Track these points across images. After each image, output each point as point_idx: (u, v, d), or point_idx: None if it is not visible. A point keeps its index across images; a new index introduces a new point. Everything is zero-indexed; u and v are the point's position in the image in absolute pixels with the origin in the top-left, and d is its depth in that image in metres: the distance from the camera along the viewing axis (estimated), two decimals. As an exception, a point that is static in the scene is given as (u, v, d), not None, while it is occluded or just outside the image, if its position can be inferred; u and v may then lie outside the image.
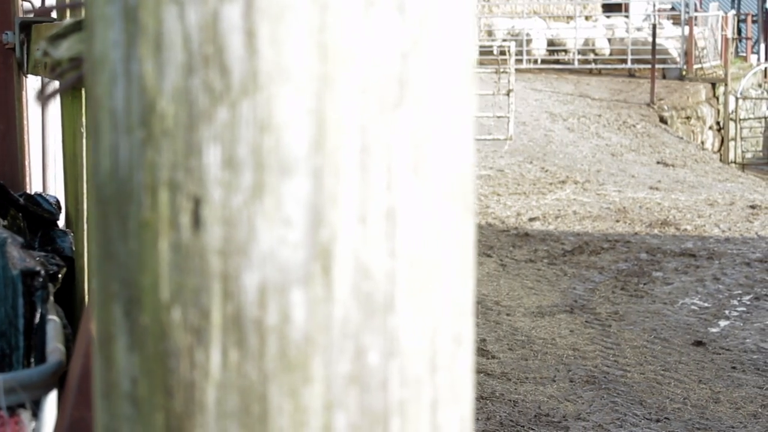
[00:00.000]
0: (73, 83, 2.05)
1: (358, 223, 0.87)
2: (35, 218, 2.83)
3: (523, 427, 6.83)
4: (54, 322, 1.92)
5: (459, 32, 0.90)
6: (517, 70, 24.92)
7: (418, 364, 0.90)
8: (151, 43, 0.86)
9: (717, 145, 24.51)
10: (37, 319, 2.10)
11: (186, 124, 0.86)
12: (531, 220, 14.38)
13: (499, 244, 12.94)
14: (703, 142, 23.49)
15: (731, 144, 24.35)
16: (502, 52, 18.88)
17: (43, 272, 2.15)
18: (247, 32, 0.84)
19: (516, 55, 26.02)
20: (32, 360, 2.21)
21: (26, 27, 4.76)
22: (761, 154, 25.21)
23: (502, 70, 17.64)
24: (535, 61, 26.62)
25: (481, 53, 25.61)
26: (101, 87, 0.90)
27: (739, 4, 35.36)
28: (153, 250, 0.88)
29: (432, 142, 0.89)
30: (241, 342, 0.87)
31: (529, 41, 26.42)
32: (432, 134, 0.89)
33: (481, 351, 8.43)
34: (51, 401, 1.79)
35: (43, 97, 4.23)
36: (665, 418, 7.37)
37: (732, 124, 24.55)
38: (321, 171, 0.86)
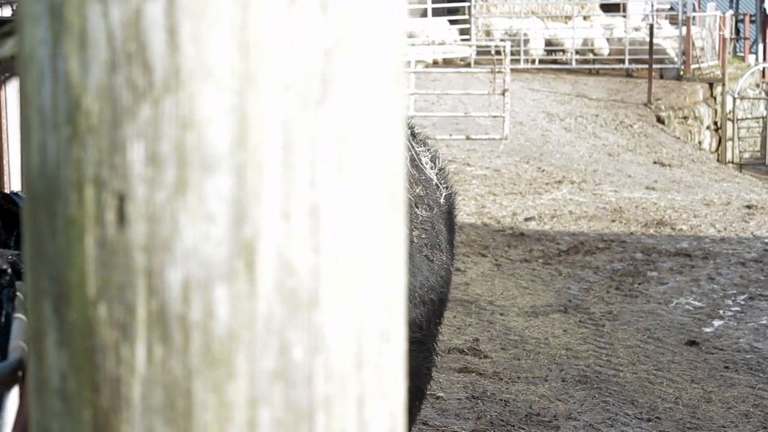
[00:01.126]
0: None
1: (281, 219, 0.87)
2: (11, 217, 2.84)
3: (514, 426, 6.83)
4: (20, 320, 1.93)
5: (385, 31, 0.91)
6: (515, 70, 24.91)
7: (343, 359, 0.90)
8: (76, 41, 0.87)
9: (714, 145, 24.51)
10: (3, 318, 2.11)
11: (110, 121, 0.87)
12: (527, 219, 14.38)
13: (495, 244, 12.94)
14: (700, 142, 23.49)
15: (728, 144, 24.35)
16: (498, 52, 18.88)
17: (9, 270, 2.16)
18: (169, 30, 0.85)
19: (514, 55, 26.01)
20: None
21: None
22: (759, 154, 25.20)
23: (497, 70, 17.63)
24: (533, 61, 26.61)
25: (479, 53, 25.60)
26: (30, 85, 0.91)
27: (737, 4, 35.36)
28: (80, 246, 0.89)
29: (357, 139, 0.90)
30: (166, 337, 0.87)
31: (527, 41, 26.42)
32: (357, 131, 0.90)
33: (474, 351, 8.43)
34: (11, 399, 1.79)
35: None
36: (656, 417, 7.37)
37: (729, 124, 24.54)
38: (244, 168, 0.86)
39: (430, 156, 4.31)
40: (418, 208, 3.94)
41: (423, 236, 3.92)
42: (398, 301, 0.94)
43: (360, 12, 0.88)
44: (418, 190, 3.96)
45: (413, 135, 4.30)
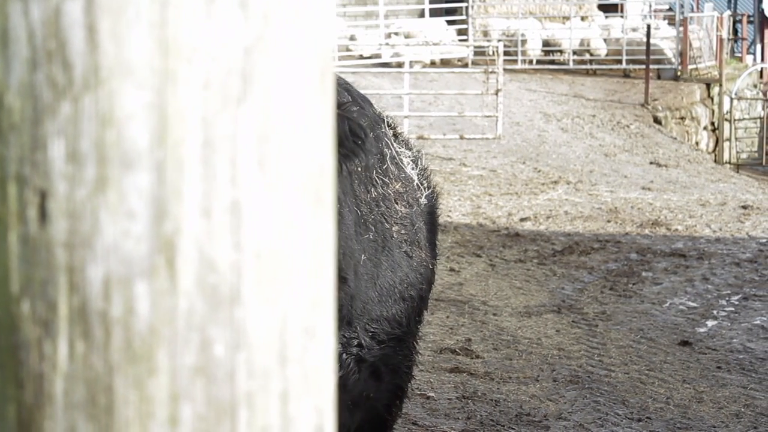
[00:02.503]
0: None
1: (201, 216, 0.88)
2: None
3: (504, 426, 6.84)
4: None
5: (309, 28, 0.91)
6: (513, 71, 24.93)
7: (266, 355, 0.91)
8: (-3, 39, 0.88)
9: (712, 145, 24.53)
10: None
11: (31, 118, 0.87)
12: (522, 220, 14.39)
13: (489, 245, 12.95)
14: (697, 143, 23.51)
15: (726, 144, 24.36)
16: (489, 53, 18.91)
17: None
18: (89, 27, 0.85)
19: (511, 55, 26.03)
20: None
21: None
22: (756, 154, 25.21)
23: (491, 70, 17.65)
24: (531, 62, 26.63)
25: (476, 53, 25.62)
26: (-44, 82, 0.92)
27: (735, 4, 35.37)
28: (3, 243, 0.89)
29: (279, 137, 0.90)
30: (87, 334, 0.88)
31: (524, 42, 26.43)
32: (279, 129, 0.90)
33: (466, 351, 8.43)
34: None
35: None
36: (647, 417, 7.38)
37: (727, 125, 24.55)
38: (163, 165, 0.87)
39: (411, 156, 4.32)
40: (397, 204, 3.94)
41: (402, 232, 3.93)
42: (325, 298, 0.95)
43: (282, 9, 0.89)
44: (397, 187, 3.97)
45: (395, 135, 4.31)
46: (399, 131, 4.48)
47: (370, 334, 3.86)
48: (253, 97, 0.89)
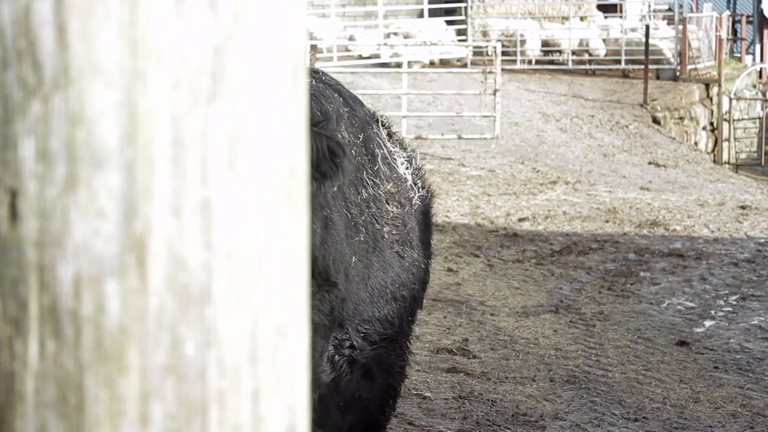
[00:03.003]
0: None
1: (172, 215, 0.88)
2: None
3: (500, 426, 6.84)
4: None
5: (280, 27, 0.92)
6: (512, 71, 24.93)
7: (237, 354, 0.91)
8: (-32, 38, 0.88)
9: (711, 145, 24.52)
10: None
11: (2, 117, 0.87)
12: (520, 220, 14.39)
13: (488, 245, 12.95)
14: (696, 143, 23.51)
15: (725, 145, 24.36)
16: (488, 53, 18.93)
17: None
18: (58, 27, 0.86)
19: (510, 55, 26.03)
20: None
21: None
22: (755, 154, 25.21)
23: (488, 70, 17.65)
24: (530, 62, 26.63)
25: (475, 54, 25.61)
26: (-72, 82, 0.92)
27: (734, 4, 35.37)
28: (-26, 242, 0.90)
29: (250, 136, 0.90)
30: (58, 332, 0.88)
31: (523, 42, 26.44)
32: (250, 128, 0.90)
33: (463, 351, 8.43)
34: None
35: None
36: (643, 417, 7.38)
37: (726, 125, 24.55)
38: (133, 164, 0.87)
39: (406, 156, 4.31)
40: (388, 204, 3.94)
41: (394, 233, 3.92)
42: (298, 297, 0.95)
43: (252, 9, 0.89)
44: (389, 187, 3.96)
45: (389, 135, 4.31)
46: (394, 131, 4.48)
47: (362, 335, 3.86)
48: (223, 97, 0.89)
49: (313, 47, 18.14)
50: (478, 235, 13.51)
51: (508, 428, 6.85)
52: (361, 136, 3.94)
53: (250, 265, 0.91)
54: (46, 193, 0.87)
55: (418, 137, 18.28)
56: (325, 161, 3.17)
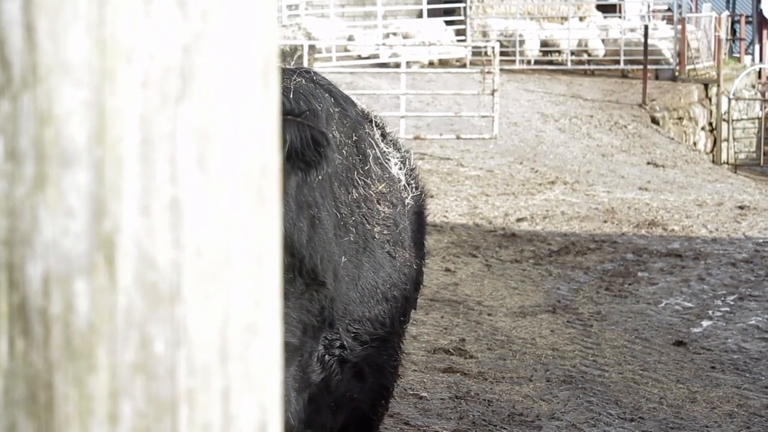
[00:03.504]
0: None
1: (140, 214, 0.88)
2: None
3: (496, 426, 6.84)
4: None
5: (250, 26, 0.92)
6: (511, 71, 24.94)
7: (207, 352, 0.91)
8: (-62, 38, 0.88)
9: (710, 146, 24.53)
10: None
11: (-29, 116, 0.88)
12: (519, 220, 14.39)
13: (486, 245, 12.95)
14: (695, 143, 23.52)
15: (724, 145, 24.36)
16: (486, 53, 18.94)
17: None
18: (26, 26, 0.86)
19: (510, 55, 26.04)
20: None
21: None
22: (754, 155, 25.21)
23: (487, 70, 17.66)
24: (529, 62, 26.64)
25: (474, 54, 25.62)
26: None
27: (734, 5, 35.37)
28: (-56, 240, 0.90)
29: (219, 135, 0.91)
30: (27, 331, 0.88)
31: (522, 42, 26.44)
32: (219, 127, 0.91)
33: (460, 351, 8.43)
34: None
35: None
36: (640, 417, 7.38)
37: (725, 125, 24.56)
38: (102, 163, 0.87)
39: (399, 156, 4.31)
40: (380, 204, 3.94)
41: (385, 233, 3.92)
42: (269, 295, 0.95)
43: (221, 8, 0.89)
44: (381, 187, 3.96)
45: (383, 135, 4.31)
46: (387, 131, 4.48)
47: (353, 335, 3.86)
48: (192, 96, 0.89)
49: (312, 47, 18.14)
50: (476, 235, 13.51)
51: (504, 428, 6.85)
52: (352, 136, 3.94)
53: (220, 263, 0.91)
54: (15, 191, 0.87)
55: (417, 137, 18.29)
56: (309, 150, 3.19)
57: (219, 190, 0.90)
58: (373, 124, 4.30)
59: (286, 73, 3.72)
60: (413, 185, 4.35)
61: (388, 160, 4.23)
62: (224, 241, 0.91)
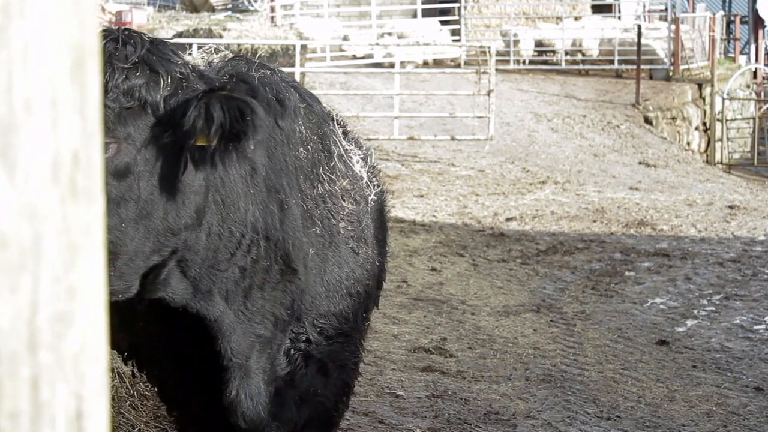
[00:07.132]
0: None
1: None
2: None
3: (471, 425, 6.84)
4: None
5: (57, 21, 0.93)
6: (505, 71, 24.94)
7: (14, 342, 0.92)
8: None
9: (703, 145, 24.54)
10: None
11: None
12: (508, 220, 14.40)
13: (473, 244, 12.95)
14: (689, 143, 23.53)
15: (717, 145, 24.37)
16: (483, 53, 18.94)
17: None
18: None
19: (504, 56, 26.05)
20: None
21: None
22: (749, 154, 25.21)
23: (482, 70, 17.67)
24: (523, 62, 26.65)
25: (469, 54, 25.63)
26: None
27: (729, 5, 35.36)
28: None
29: (23, 128, 0.92)
30: None
31: (516, 42, 26.46)
32: (23, 121, 0.92)
33: (440, 350, 8.43)
34: None
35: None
36: (617, 416, 7.38)
37: (718, 125, 24.56)
38: None
39: (361, 154, 4.33)
40: (344, 201, 3.96)
41: (349, 228, 3.95)
42: (85, 286, 0.97)
43: (25, 2, 0.90)
44: (344, 184, 3.98)
45: (344, 133, 4.33)
46: (349, 129, 4.50)
47: (318, 329, 3.89)
48: (-6, 89, 0.90)
49: (303, 47, 18.15)
50: (464, 234, 13.52)
51: (479, 427, 6.86)
52: (318, 132, 3.96)
53: (28, 254, 0.92)
54: None
55: (411, 138, 18.29)
56: (237, 123, 3.24)
57: (24, 183, 0.92)
58: (335, 122, 4.32)
59: (250, 65, 3.74)
60: (375, 183, 4.37)
61: (351, 157, 4.25)
62: (32, 232, 0.92)
